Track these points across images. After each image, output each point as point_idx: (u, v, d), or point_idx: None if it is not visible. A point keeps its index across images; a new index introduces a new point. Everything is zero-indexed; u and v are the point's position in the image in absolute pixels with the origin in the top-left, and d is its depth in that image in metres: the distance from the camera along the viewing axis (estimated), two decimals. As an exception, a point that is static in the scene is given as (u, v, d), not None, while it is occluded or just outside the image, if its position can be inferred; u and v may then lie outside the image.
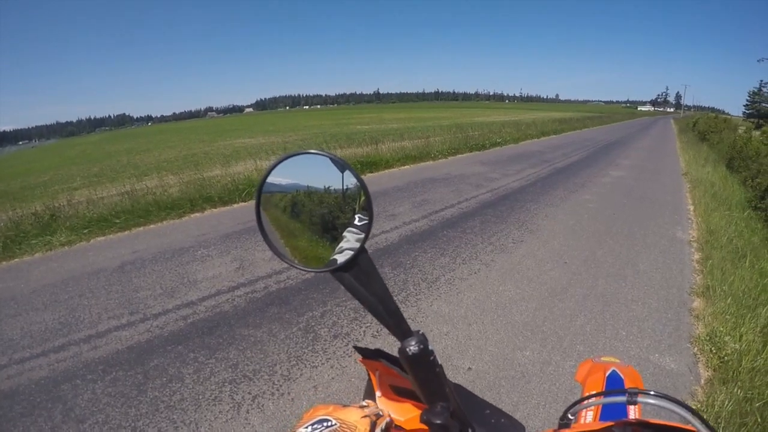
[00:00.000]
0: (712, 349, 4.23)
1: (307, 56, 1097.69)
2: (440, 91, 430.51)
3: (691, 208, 10.07)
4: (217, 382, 3.60)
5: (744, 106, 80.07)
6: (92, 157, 39.02)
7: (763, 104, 72.03)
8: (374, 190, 10.26)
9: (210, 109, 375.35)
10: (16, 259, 7.76)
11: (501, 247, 6.77)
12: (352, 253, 0.90)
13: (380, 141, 16.90)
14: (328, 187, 0.96)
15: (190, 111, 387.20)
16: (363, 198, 0.94)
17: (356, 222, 0.94)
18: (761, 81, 75.59)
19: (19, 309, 5.52)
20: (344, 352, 3.94)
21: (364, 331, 4.28)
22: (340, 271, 0.89)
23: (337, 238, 0.96)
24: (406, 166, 14.44)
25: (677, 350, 4.24)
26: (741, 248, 6.99)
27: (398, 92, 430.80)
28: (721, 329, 4.49)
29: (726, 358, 4.06)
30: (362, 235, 0.92)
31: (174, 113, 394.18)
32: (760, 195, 10.84)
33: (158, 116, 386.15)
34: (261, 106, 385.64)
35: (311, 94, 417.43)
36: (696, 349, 4.32)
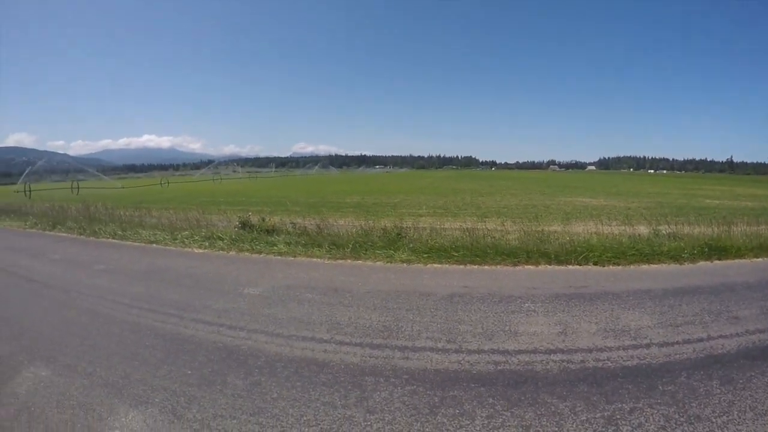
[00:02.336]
0: None
1: (653, 115, 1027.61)
2: None
3: None
4: (505, 435, 3.66)
5: None
6: (438, 190, 42.77)
7: None
8: (718, 283, 8.98)
9: (552, 162, 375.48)
10: (360, 261, 9.19)
11: None
12: None
13: (732, 222, 14.72)
14: None
15: (533, 162, 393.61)
16: None
17: None
18: None
19: (353, 302, 6.72)
20: (635, 459, 3.63)
21: (668, 443, 3.87)
22: None
23: None
24: (759, 259, 12.06)
25: None
26: None
27: (755, 162, 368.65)
28: None
29: None
30: None
31: (517, 162, 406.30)
32: None
33: (502, 162, 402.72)
34: (604, 165, 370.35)
35: (657, 157, 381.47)
36: None
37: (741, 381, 5.02)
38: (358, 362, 4.69)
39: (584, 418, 4.04)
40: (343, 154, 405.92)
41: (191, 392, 4.27)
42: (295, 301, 6.86)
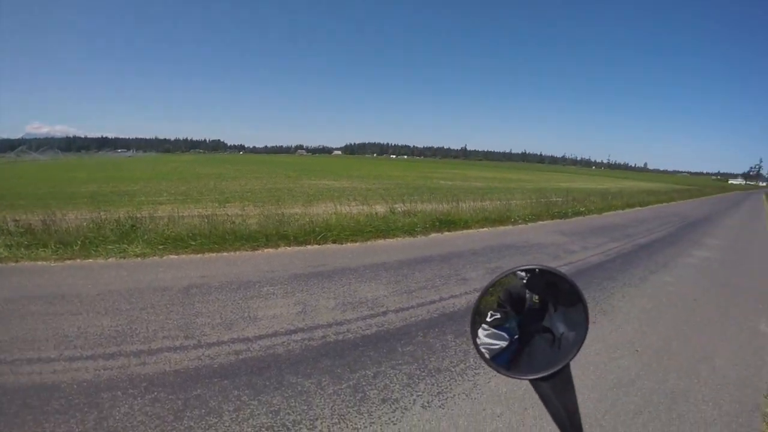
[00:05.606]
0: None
1: (397, 106, 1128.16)
2: (527, 152, 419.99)
3: (782, 299, 9.42)
4: (254, 425, 3.56)
5: None
6: (182, 175, 40.89)
7: None
8: (448, 251, 10.20)
9: (300, 147, 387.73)
10: (90, 260, 8.29)
11: (570, 329, 6.48)
12: (558, 366, 1.01)
13: (461, 199, 16.70)
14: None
15: (281, 146, 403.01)
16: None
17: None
18: None
19: (82, 308, 5.93)
20: (389, 419, 3.81)
21: (415, 400, 4.13)
22: (540, 380, 0.99)
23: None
24: (484, 229, 14.31)
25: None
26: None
27: (485, 150, 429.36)
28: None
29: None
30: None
31: (266, 146, 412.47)
32: None
33: (250, 147, 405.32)
34: (349, 150, 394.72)
35: (399, 144, 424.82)
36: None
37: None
38: (92, 378, 4.16)
39: (331, 391, 4.14)
40: (83, 136, 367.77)
41: None
42: (17, 317, 5.72)
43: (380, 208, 13.35)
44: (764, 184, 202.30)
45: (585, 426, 3.31)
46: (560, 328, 1.05)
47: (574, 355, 0.96)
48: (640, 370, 5.31)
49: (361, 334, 5.45)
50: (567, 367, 0.97)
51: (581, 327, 1.04)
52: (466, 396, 4.24)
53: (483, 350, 1.06)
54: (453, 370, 4.71)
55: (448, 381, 4.46)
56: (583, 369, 5.16)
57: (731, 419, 4.48)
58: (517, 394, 4.41)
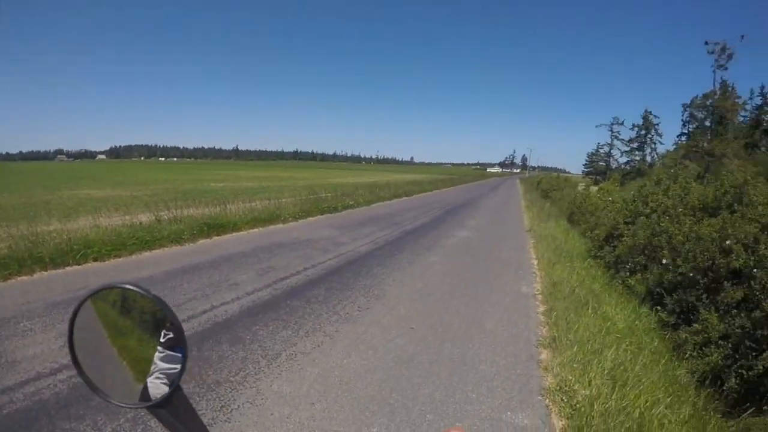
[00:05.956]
0: (564, 398, 4.70)
1: (165, 105, 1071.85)
2: (299, 150, 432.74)
3: (535, 262, 11.38)
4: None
5: (583, 165, 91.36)
6: None
7: (600, 163, 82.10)
8: (218, 256, 10.19)
9: (60, 152, 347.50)
10: None
11: (346, 317, 6.93)
12: (167, 390, 0.96)
13: (230, 201, 16.69)
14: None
15: (39, 151, 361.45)
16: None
17: (161, 339, 1.01)
18: (598, 143, 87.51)
19: None
20: (173, 448, 3.74)
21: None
22: (156, 407, 0.96)
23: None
24: (254, 230, 14.61)
25: (529, 405, 4.61)
26: (584, 296, 7.94)
27: (258, 150, 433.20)
28: (570, 377, 5.00)
29: (578, 405, 4.50)
30: (176, 370, 0.99)
31: (21, 152, 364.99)
32: (598, 245, 12.56)
33: (3, 153, 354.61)
34: (115, 153, 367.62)
35: (168, 146, 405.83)
36: (548, 400, 4.74)
37: (248, 336, 5.57)
38: None
39: (109, 430, 4.02)
40: None
41: None
42: None
43: (145, 218, 12.77)
44: (518, 170, 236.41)
45: (373, 406, 3.57)
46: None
47: (180, 377, 0.97)
48: (417, 346, 5.82)
49: (131, 362, 5.20)
50: (178, 389, 0.97)
51: (182, 344, 1.03)
52: (251, 404, 4.33)
53: (94, 381, 1.02)
54: (233, 380, 4.76)
55: (230, 392, 4.54)
56: (362, 354, 5.50)
57: (510, 372, 5.17)
58: (302, 391, 4.61)
